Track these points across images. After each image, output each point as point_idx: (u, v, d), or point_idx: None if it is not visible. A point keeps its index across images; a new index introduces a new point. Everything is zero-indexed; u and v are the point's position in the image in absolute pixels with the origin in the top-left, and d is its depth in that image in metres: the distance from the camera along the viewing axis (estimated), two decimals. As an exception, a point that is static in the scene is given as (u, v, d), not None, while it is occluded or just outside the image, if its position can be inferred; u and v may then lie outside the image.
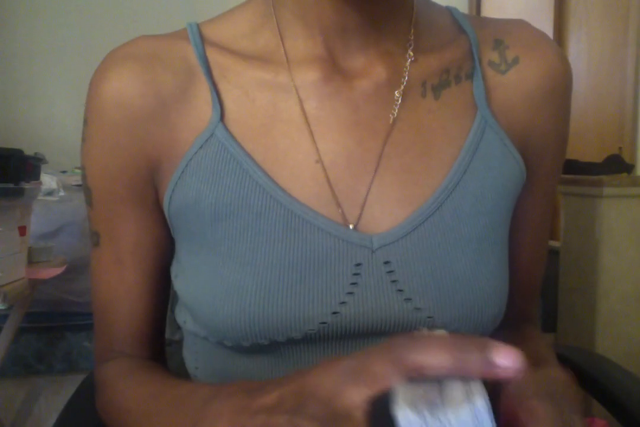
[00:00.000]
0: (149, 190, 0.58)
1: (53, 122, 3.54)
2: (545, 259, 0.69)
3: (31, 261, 1.75)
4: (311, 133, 0.54)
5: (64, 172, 2.84)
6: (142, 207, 0.58)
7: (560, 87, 0.60)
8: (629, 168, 2.31)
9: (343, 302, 0.51)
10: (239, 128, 0.55)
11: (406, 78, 0.56)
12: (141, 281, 0.61)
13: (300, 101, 0.55)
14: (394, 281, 0.52)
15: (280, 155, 0.54)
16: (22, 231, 1.63)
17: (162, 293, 0.63)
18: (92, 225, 0.61)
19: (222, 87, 0.56)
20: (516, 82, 0.59)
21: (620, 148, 2.46)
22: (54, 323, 2.22)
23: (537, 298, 0.70)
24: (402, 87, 0.56)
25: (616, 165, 2.28)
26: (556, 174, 0.64)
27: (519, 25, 0.62)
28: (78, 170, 2.92)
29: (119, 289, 0.61)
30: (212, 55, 0.57)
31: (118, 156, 0.56)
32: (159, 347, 0.66)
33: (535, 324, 0.70)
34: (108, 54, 0.57)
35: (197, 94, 0.56)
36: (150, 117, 0.55)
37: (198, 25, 0.59)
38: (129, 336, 0.62)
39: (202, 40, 0.57)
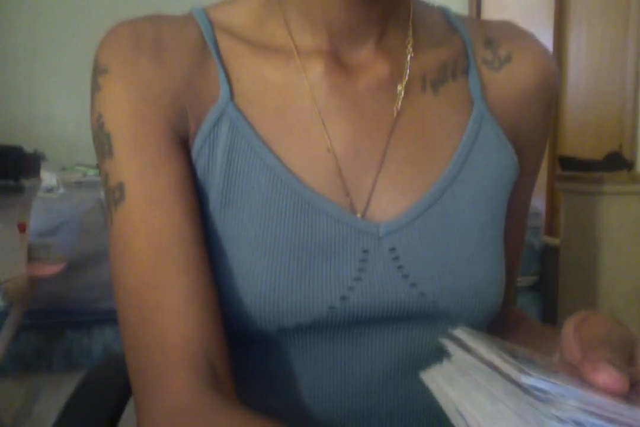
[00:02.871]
0: (182, 130, 0.54)
1: (53, 119, 3.55)
2: (523, 247, 0.73)
3: (31, 258, 1.75)
4: (322, 121, 0.55)
5: (63, 169, 2.84)
6: (176, 145, 0.53)
7: (549, 85, 0.62)
8: (629, 165, 2.31)
9: (351, 288, 0.52)
10: (252, 107, 0.55)
11: (407, 73, 0.58)
12: (186, 227, 0.50)
13: (312, 89, 0.56)
14: (399, 267, 0.53)
15: (295, 141, 0.55)
16: (22, 227, 1.63)
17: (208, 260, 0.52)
18: (112, 178, 0.52)
19: (234, 66, 0.56)
20: (509, 79, 0.61)
21: (620, 145, 2.46)
22: (54, 320, 2.22)
23: (515, 286, 0.74)
24: (405, 81, 0.57)
25: (616, 162, 2.29)
26: (539, 167, 0.68)
27: (508, 25, 0.64)
28: (78, 168, 2.92)
29: (160, 244, 0.49)
30: (222, 39, 0.57)
31: (146, 89, 0.53)
32: (224, 350, 0.50)
33: (515, 306, 0.73)
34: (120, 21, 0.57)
35: (211, 68, 0.55)
36: (170, 63, 0.54)
37: (204, 11, 0.59)
38: (194, 325, 0.47)
39: (212, 25, 0.58)
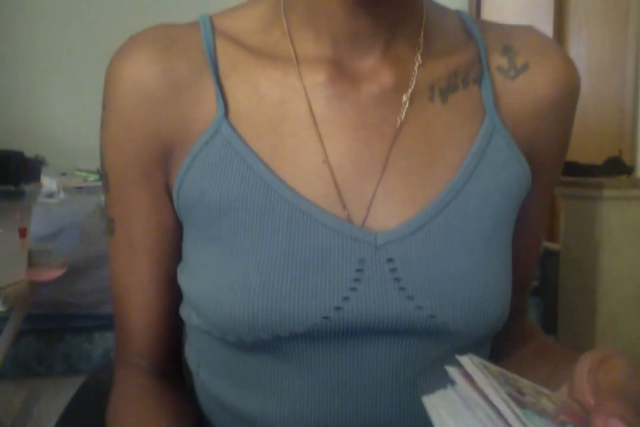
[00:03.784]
0: (159, 174, 0.58)
1: (53, 124, 3.55)
2: (539, 256, 0.71)
3: (31, 263, 1.75)
4: (319, 133, 0.54)
5: (64, 174, 2.85)
6: (152, 190, 0.58)
7: (568, 95, 0.60)
8: (628, 170, 2.31)
9: (346, 298, 0.51)
10: (246, 123, 0.55)
11: (414, 82, 0.56)
12: (152, 268, 0.60)
13: (309, 101, 0.55)
14: (396, 279, 0.52)
15: (289, 154, 0.54)
16: (23, 233, 1.64)
17: (173, 283, 0.61)
18: (108, 211, 0.61)
19: (231, 80, 0.56)
20: (525, 88, 0.59)
21: (620, 150, 2.46)
22: (54, 325, 2.22)
23: (529, 293, 0.72)
24: (410, 91, 0.56)
25: (616, 167, 2.29)
26: (556, 178, 0.65)
27: (528, 31, 0.62)
28: (78, 173, 2.92)
29: (131, 277, 0.61)
30: (223, 47, 0.57)
31: (133, 139, 0.57)
32: (175, 343, 0.65)
33: (527, 317, 0.71)
34: (127, 39, 0.58)
35: (207, 87, 0.56)
36: (165, 103, 0.56)
37: (211, 18, 0.60)
38: (144, 329, 0.62)
39: (214, 32, 0.58)
